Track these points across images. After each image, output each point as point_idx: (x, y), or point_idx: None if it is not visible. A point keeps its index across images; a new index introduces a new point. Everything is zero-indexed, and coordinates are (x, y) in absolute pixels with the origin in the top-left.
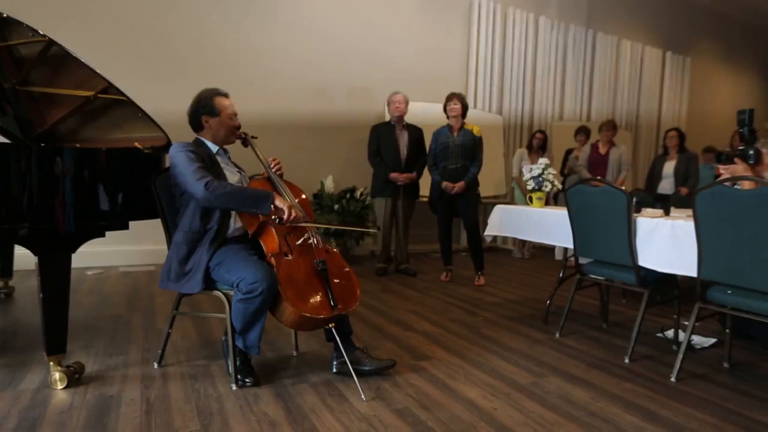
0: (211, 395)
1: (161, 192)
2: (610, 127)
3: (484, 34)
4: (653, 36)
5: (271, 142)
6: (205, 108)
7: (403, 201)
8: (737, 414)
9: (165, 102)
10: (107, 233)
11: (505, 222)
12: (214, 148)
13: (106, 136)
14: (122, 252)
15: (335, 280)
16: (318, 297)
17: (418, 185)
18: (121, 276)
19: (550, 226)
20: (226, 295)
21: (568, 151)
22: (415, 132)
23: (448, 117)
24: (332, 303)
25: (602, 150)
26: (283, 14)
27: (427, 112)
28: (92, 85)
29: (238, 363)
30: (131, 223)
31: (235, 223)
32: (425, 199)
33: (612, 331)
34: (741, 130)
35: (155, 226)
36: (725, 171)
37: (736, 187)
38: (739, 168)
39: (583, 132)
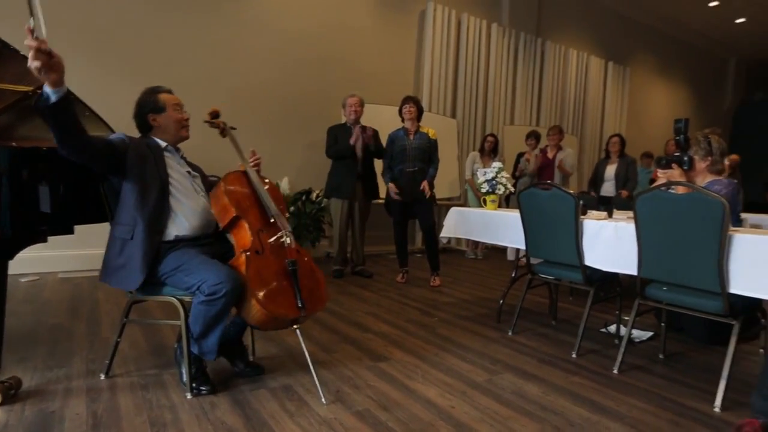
0: (164, 405)
1: (110, 194)
2: (556, 131)
3: (438, 39)
4: (597, 46)
5: (225, 143)
6: (148, 106)
7: (359, 202)
8: (671, 401)
9: (114, 99)
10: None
11: (461, 224)
12: (162, 144)
13: (47, 134)
14: (60, 257)
15: (304, 282)
16: (286, 297)
17: (377, 186)
18: (60, 282)
19: (504, 228)
20: (180, 300)
21: (520, 155)
22: (371, 133)
23: (403, 120)
24: (300, 304)
25: (550, 154)
26: (237, 12)
27: (381, 114)
28: (33, 79)
29: (192, 370)
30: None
31: (182, 224)
32: (381, 201)
33: (560, 327)
34: (677, 138)
35: (97, 227)
36: (663, 175)
37: (671, 191)
38: (676, 173)
39: (533, 136)
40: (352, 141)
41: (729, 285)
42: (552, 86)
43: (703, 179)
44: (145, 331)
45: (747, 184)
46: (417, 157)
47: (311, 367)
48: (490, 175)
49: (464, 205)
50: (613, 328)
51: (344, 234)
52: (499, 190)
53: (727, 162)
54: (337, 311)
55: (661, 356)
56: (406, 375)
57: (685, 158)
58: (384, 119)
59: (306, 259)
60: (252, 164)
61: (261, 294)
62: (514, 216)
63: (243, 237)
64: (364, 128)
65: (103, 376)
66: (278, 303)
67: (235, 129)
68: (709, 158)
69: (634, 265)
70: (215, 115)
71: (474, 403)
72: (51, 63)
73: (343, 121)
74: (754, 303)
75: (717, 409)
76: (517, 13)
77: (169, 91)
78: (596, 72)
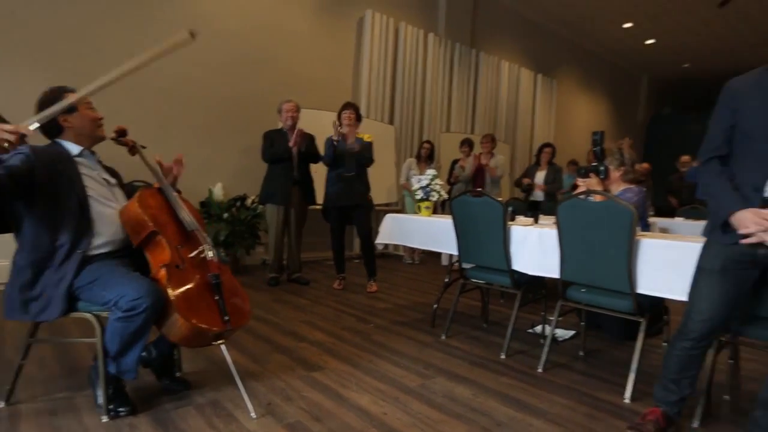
0: None
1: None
2: (488, 139)
3: (377, 46)
4: (527, 59)
5: (153, 147)
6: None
7: (295, 208)
8: (588, 395)
9: (22, 98)
10: None
11: (396, 230)
12: (75, 149)
13: None
14: None
15: (228, 295)
16: (210, 310)
17: (313, 192)
18: None
19: (437, 234)
20: (97, 316)
21: (455, 161)
22: (308, 139)
23: (341, 125)
24: (225, 318)
25: (483, 161)
26: (170, 10)
27: (319, 120)
28: None
29: (110, 391)
30: None
31: (101, 237)
32: (318, 207)
33: (491, 329)
34: (595, 149)
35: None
36: (583, 184)
37: (589, 198)
38: (594, 182)
39: (467, 143)
40: (291, 143)
41: (637, 286)
42: (486, 96)
43: (618, 187)
44: (56, 351)
45: (657, 191)
46: (354, 162)
47: (238, 381)
48: (424, 182)
49: (402, 210)
50: (539, 328)
51: (280, 241)
52: (433, 196)
53: (638, 168)
54: (272, 320)
55: (581, 353)
56: (340, 384)
57: (602, 168)
58: (321, 125)
59: (228, 273)
60: (169, 180)
61: (184, 308)
62: (446, 222)
63: (161, 253)
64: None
65: (2, 404)
66: (203, 316)
67: (145, 148)
68: (623, 168)
69: (557, 269)
70: (122, 133)
71: (406, 409)
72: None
73: (279, 127)
74: (658, 301)
75: (627, 401)
76: (452, 24)
77: (74, 90)
78: (527, 83)
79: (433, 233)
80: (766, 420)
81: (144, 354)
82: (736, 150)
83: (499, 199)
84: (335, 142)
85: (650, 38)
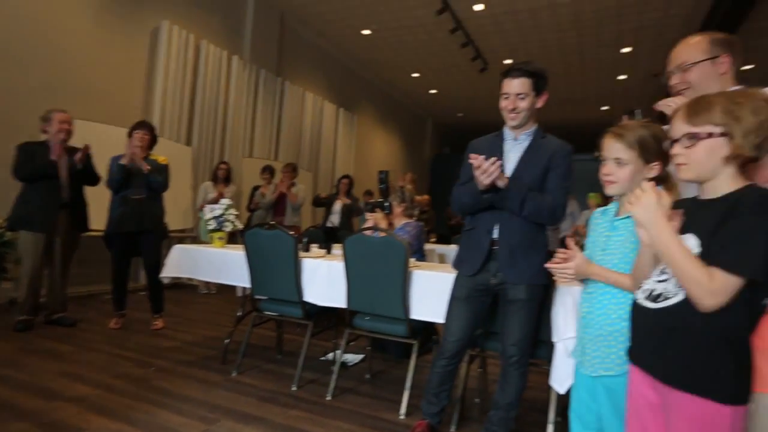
0: None
1: None
2: (289, 169)
3: (174, 61)
4: (330, 93)
5: None
6: None
7: (62, 236)
8: (371, 417)
9: None
10: None
11: (184, 262)
12: None
13: None
14: None
15: None
16: None
17: (86, 216)
18: None
19: (229, 266)
20: None
21: (255, 188)
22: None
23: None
24: None
25: (284, 189)
26: None
27: (102, 134)
28: None
29: None
30: None
31: None
32: (98, 233)
33: (286, 360)
34: (380, 186)
35: None
36: (370, 218)
37: (375, 234)
38: (379, 216)
39: (268, 170)
40: (54, 156)
41: (410, 312)
42: (290, 124)
43: (400, 221)
44: None
45: (439, 220)
46: (144, 185)
47: None
48: (218, 212)
49: (197, 237)
50: (331, 355)
51: (37, 275)
52: (227, 227)
53: (419, 200)
54: (14, 377)
55: (367, 376)
56: None
57: (386, 204)
58: (102, 140)
59: None
60: None
61: None
62: (238, 254)
63: None
64: (74, 149)
65: None
66: None
67: None
68: (404, 204)
69: (345, 299)
70: None
71: None
72: None
73: (42, 138)
74: (429, 323)
75: (402, 417)
76: (258, 50)
77: None
78: (330, 116)
79: (225, 265)
80: (497, 417)
81: None
82: None
83: (292, 232)
84: (125, 164)
85: (433, 88)
